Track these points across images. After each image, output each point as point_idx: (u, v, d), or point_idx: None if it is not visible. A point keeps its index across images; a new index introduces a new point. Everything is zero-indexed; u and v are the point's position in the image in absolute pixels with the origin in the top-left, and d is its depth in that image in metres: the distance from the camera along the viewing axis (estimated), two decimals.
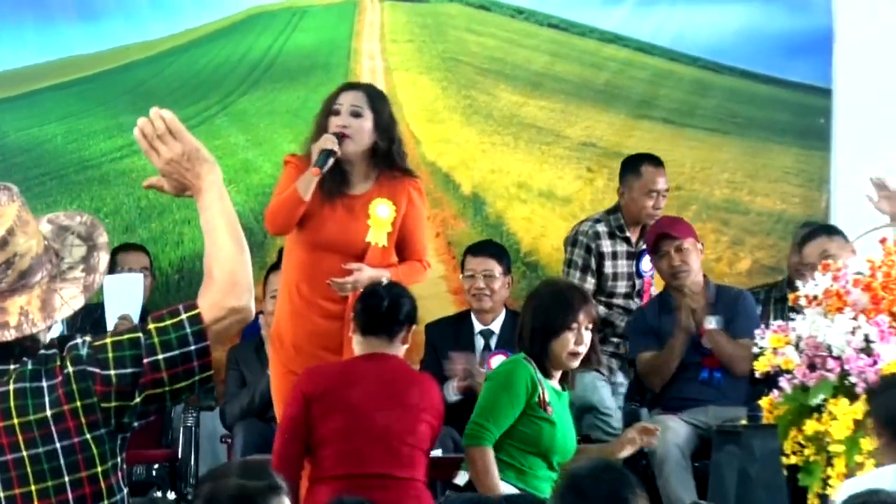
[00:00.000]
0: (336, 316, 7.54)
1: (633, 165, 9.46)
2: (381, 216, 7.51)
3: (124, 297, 8.27)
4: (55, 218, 4.36)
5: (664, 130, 10.22)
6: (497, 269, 9.07)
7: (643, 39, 10.26)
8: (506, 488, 6.69)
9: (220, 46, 10.23)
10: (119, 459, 4.18)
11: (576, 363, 6.76)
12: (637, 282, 9.51)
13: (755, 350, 7.62)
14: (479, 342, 8.98)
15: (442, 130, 9.98)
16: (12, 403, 4.08)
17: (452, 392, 8.83)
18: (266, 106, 9.95)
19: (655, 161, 9.49)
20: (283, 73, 10.05)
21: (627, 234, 9.35)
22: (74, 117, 10.07)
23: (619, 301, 9.49)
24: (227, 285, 4.21)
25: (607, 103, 10.27)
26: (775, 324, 7.50)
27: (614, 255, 9.38)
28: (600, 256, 9.49)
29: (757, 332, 7.52)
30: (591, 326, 6.84)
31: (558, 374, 6.82)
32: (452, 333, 9.12)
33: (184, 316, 4.11)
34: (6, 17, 10.10)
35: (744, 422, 7.81)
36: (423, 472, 7.24)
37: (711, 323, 8.92)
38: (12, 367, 4.12)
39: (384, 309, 7.26)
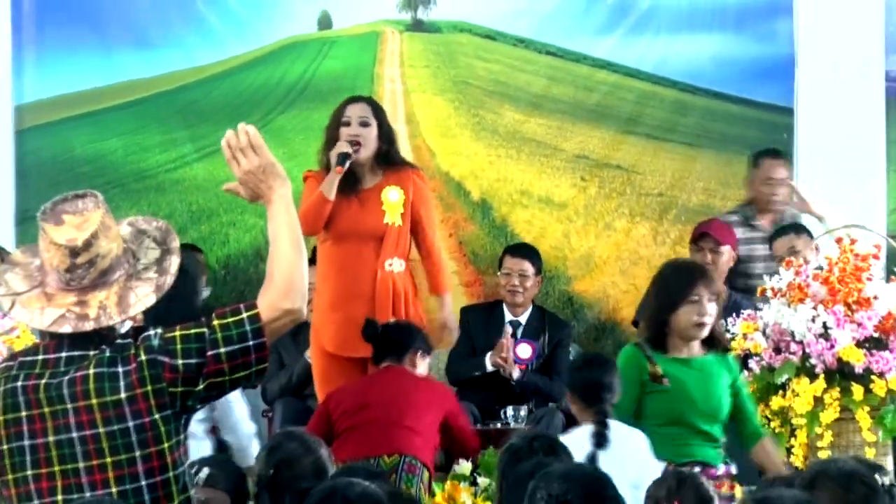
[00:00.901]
0: (368, 298, 7.58)
1: (756, 159, 9.34)
2: (392, 200, 7.56)
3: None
4: (134, 221, 4.40)
5: (648, 145, 10.17)
6: (531, 269, 9.03)
7: (629, 65, 10.19)
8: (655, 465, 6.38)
9: (259, 71, 10.21)
10: (182, 436, 4.27)
11: (703, 333, 6.51)
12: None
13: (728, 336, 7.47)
14: (508, 330, 8.92)
15: (454, 144, 9.98)
16: (91, 386, 4.13)
17: (489, 363, 8.79)
18: (300, 123, 9.87)
19: (774, 154, 9.39)
20: (315, 95, 10.02)
21: (757, 221, 9.16)
22: (133, 133, 10.05)
23: (755, 282, 8.75)
24: (284, 289, 4.28)
25: (598, 121, 10.18)
26: (745, 312, 7.40)
27: (748, 241, 9.14)
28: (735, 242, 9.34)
29: (729, 319, 7.46)
30: (713, 299, 6.60)
31: (692, 346, 6.55)
32: (484, 319, 9.09)
33: (244, 315, 4.19)
34: (73, 47, 10.07)
35: None
36: (423, 426, 7.23)
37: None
38: (92, 353, 4.16)
39: (380, 336, 7.41)
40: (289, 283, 4.30)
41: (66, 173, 9.84)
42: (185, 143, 10.11)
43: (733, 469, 6.46)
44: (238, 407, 6.94)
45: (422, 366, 7.51)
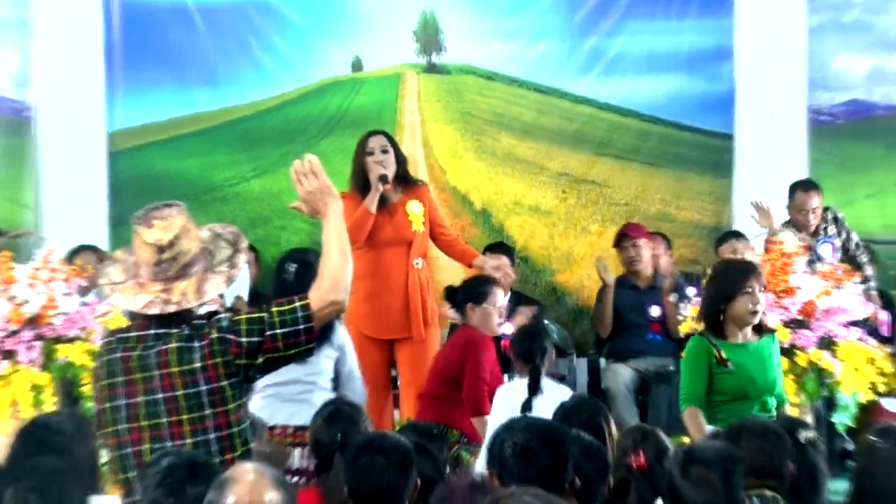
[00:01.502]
0: (401, 290, 7.60)
1: (791, 191, 8.96)
2: (416, 212, 7.61)
3: (237, 281, 8.22)
4: (213, 227, 4.50)
5: (616, 164, 10.08)
6: (507, 262, 8.79)
7: (602, 100, 10.05)
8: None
9: (305, 105, 10.08)
10: (244, 399, 4.36)
11: (756, 319, 6.25)
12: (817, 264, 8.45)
13: (680, 318, 7.71)
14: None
15: (461, 164, 9.92)
16: (173, 357, 4.23)
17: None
18: (338, 147, 9.64)
19: (805, 186, 9.04)
20: (349, 124, 9.85)
21: (800, 234, 8.63)
22: (203, 155, 10.08)
23: None
24: (331, 286, 4.33)
25: (577, 145, 10.08)
26: (695, 298, 7.47)
27: None
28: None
29: (681, 304, 7.82)
30: (763, 290, 6.33)
31: (745, 331, 6.27)
32: None
33: (297, 304, 4.27)
34: (156, 86, 10.00)
35: (672, 368, 8.35)
36: (441, 387, 7.11)
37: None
38: (174, 331, 4.27)
39: (449, 297, 7.43)
40: (335, 281, 4.34)
41: (150, 187, 9.63)
42: (244, 163, 10.04)
43: None
44: (357, 370, 6.84)
45: (475, 316, 7.30)
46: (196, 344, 4.24)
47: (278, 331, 4.26)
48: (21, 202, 9.84)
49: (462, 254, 8.03)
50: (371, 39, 10.08)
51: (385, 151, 7.60)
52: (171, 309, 4.26)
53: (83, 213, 9.65)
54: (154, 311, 4.26)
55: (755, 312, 6.22)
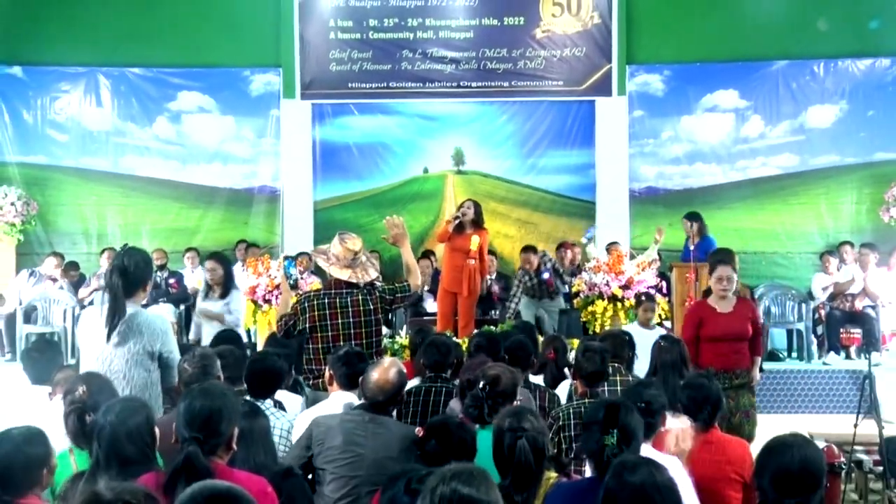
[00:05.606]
0: (463, 271, 7.55)
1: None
2: (474, 240, 7.56)
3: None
4: (362, 249, 4.42)
5: (543, 216, 11.11)
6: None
7: (536, 186, 11.16)
8: None
9: (402, 189, 10.98)
10: (382, 325, 4.29)
11: None
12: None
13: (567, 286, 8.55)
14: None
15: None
16: (358, 302, 4.37)
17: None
18: (417, 209, 10.87)
19: (562, 243, 9.56)
20: (422, 198, 10.81)
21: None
22: (354, 212, 11.02)
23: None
24: (414, 278, 4.64)
25: (524, 207, 11.12)
26: (579, 275, 8.27)
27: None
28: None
29: (574, 279, 8.60)
30: None
31: None
32: (501, 278, 9.53)
33: (406, 283, 4.64)
34: (334, 181, 10.60)
35: (565, 307, 9.05)
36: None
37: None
38: (356, 290, 4.37)
39: None
40: (415, 277, 4.63)
41: (331, 227, 9.99)
42: (374, 214, 10.79)
43: None
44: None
45: None
46: (369, 297, 4.43)
47: (399, 294, 4.52)
48: (273, 233, 10.99)
49: (483, 268, 7.79)
50: (432, 159, 11.15)
51: (469, 208, 7.65)
52: (354, 280, 4.47)
53: (300, 238, 10.81)
54: (352, 280, 4.44)
55: None
